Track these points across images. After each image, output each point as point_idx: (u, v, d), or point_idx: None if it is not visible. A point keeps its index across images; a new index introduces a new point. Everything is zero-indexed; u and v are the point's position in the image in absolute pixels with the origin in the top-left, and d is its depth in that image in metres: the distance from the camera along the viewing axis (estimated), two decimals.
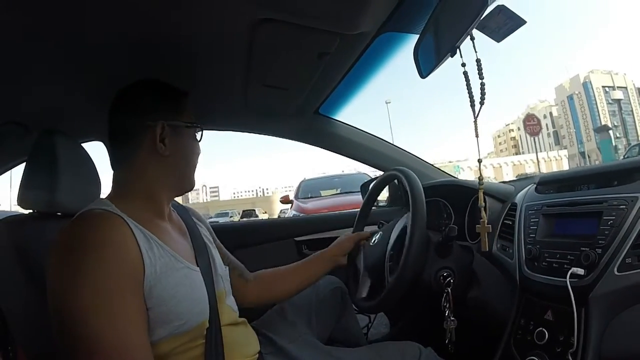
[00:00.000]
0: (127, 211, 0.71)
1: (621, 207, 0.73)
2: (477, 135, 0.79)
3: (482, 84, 0.78)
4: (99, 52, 0.91)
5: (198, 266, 0.80)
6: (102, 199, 0.77)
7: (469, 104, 0.79)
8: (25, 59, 0.90)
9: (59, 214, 0.90)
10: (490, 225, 0.89)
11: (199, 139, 0.88)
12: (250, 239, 1.60)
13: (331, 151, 1.65)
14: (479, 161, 0.84)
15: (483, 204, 0.85)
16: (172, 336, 0.69)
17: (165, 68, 0.98)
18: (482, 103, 0.78)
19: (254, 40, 0.92)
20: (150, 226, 0.73)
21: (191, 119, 0.85)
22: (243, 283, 1.04)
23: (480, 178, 0.86)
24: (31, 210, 0.92)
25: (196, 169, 0.88)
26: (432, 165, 1.69)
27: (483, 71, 0.80)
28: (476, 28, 0.79)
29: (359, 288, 1.15)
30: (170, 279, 0.69)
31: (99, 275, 0.61)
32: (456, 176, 1.75)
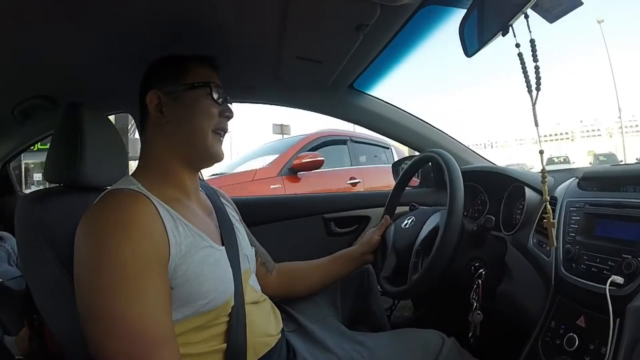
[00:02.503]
0: (153, 189, 0.71)
1: None
2: (536, 124, 0.72)
3: (537, 67, 0.71)
4: (125, 23, 0.90)
5: (223, 245, 0.79)
6: (128, 176, 0.78)
7: (526, 89, 0.72)
8: (50, 32, 0.90)
9: (84, 187, 0.90)
10: (554, 222, 0.83)
11: (215, 97, 0.80)
12: (277, 214, 1.59)
13: (364, 127, 1.61)
14: (541, 152, 0.77)
15: (548, 198, 0.79)
16: (197, 315, 0.70)
17: (193, 38, 0.96)
18: (538, 89, 0.71)
19: (288, 9, 0.87)
20: (176, 205, 0.73)
21: (199, 79, 0.79)
22: (263, 272, 1.03)
23: (544, 171, 0.79)
24: (57, 185, 0.92)
25: (217, 136, 0.81)
26: (469, 148, 1.61)
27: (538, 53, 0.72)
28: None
29: (385, 269, 1.13)
30: (195, 258, 0.69)
31: (125, 255, 0.61)
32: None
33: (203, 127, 0.78)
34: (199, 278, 0.69)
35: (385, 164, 4.68)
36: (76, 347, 0.69)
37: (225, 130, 0.82)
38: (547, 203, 0.78)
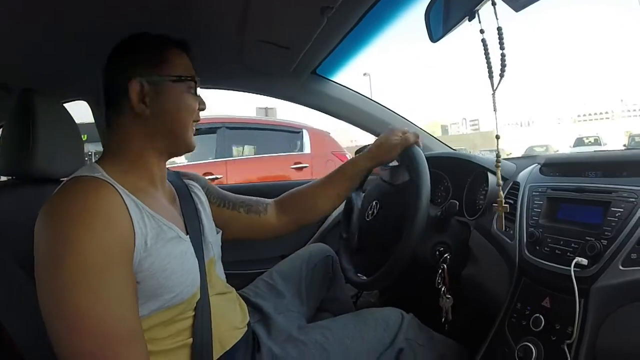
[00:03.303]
0: (117, 178, 0.67)
1: (630, 199, 0.71)
2: (495, 110, 0.73)
3: (503, 55, 0.71)
4: (81, 3, 0.82)
5: (187, 234, 0.76)
6: (93, 163, 0.72)
7: (487, 75, 0.73)
8: (2, 13, 0.81)
9: (39, 179, 0.84)
10: (507, 206, 0.85)
11: (194, 92, 0.79)
12: None
13: (327, 113, 1.58)
14: (497, 137, 0.79)
15: (501, 182, 0.81)
16: (163, 309, 0.67)
17: (154, 20, 0.89)
18: (502, 75, 0.72)
19: None
20: (141, 194, 0.69)
21: (182, 70, 0.77)
22: (256, 218, 1.01)
23: (498, 156, 0.81)
24: (9, 177, 0.87)
25: (193, 127, 0.80)
26: (431, 135, 1.63)
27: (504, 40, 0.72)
28: None
29: (351, 260, 1.13)
30: (161, 251, 0.66)
31: (88, 247, 0.57)
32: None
33: (186, 121, 0.78)
34: (165, 271, 0.66)
35: (290, 151, 4.45)
36: (37, 351, 0.65)
37: (199, 121, 0.82)
38: (500, 188, 0.81)
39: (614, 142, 18.66)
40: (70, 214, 0.59)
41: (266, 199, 1.06)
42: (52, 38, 0.96)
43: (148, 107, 0.73)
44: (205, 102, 0.82)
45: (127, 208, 0.63)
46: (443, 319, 0.98)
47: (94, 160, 0.75)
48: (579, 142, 17.47)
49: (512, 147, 20.10)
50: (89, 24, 0.92)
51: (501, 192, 0.81)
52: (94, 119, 1.42)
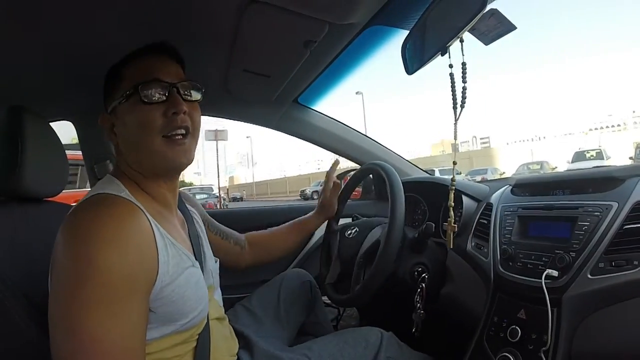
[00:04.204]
0: (140, 198, 0.67)
1: (595, 213, 0.77)
2: (455, 137, 0.80)
3: (464, 88, 0.79)
4: (72, 29, 0.85)
5: (197, 260, 0.76)
6: (112, 177, 0.71)
7: (452, 106, 0.80)
8: None
9: (24, 198, 0.83)
10: (456, 225, 0.91)
11: (150, 99, 0.68)
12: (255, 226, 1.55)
13: (307, 141, 1.63)
14: (454, 163, 0.86)
15: (452, 204, 0.87)
16: (175, 333, 0.67)
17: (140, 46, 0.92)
18: (462, 106, 0.79)
19: (240, 23, 0.88)
20: (161, 219, 0.69)
21: (138, 78, 0.69)
22: (239, 250, 1.12)
23: (453, 179, 0.88)
24: None
25: (164, 139, 0.69)
26: (408, 160, 1.70)
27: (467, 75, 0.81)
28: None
29: (330, 277, 1.16)
30: (180, 278, 0.66)
31: (117, 272, 0.56)
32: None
33: (144, 140, 0.68)
34: (183, 298, 0.66)
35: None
36: None
37: (179, 128, 0.70)
38: (451, 208, 0.87)
39: (621, 155, 16.53)
40: (102, 236, 0.56)
41: (241, 234, 1.18)
42: (39, 57, 0.97)
43: (117, 136, 0.73)
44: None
45: (155, 236, 0.63)
46: (414, 329, 1.02)
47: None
48: (579, 156, 15.65)
49: (514, 164, 18.87)
50: (75, 51, 0.93)
51: (452, 213, 0.87)
52: (79, 139, 1.42)
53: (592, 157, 15.06)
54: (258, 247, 1.18)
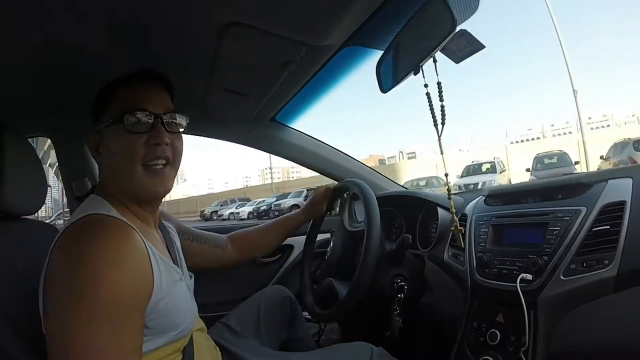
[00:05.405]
0: (129, 219, 0.68)
1: (565, 218, 0.82)
2: (441, 152, 0.85)
3: (442, 107, 0.84)
4: (54, 45, 0.85)
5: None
6: (97, 197, 0.71)
7: (433, 123, 0.85)
8: None
9: (2, 216, 0.81)
10: (462, 228, 0.95)
11: (133, 129, 0.70)
12: None
13: (285, 158, 1.66)
14: (446, 175, 0.90)
15: (454, 210, 0.91)
16: (168, 344, 0.69)
17: (123, 66, 0.92)
18: (443, 123, 0.84)
19: (220, 43, 0.90)
20: (148, 236, 0.70)
21: (125, 104, 0.71)
22: (221, 251, 1.14)
23: (449, 190, 0.92)
24: None
25: (145, 168, 0.71)
26: (383, 175, 1.74)
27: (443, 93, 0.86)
28: None
29: (311, 294, 1.17)
30: (173, 292, 0.69)
31: (119, 288, 0.57)
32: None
33: (125, 166, 0.70)
34: (175, 309, 0.69)
35: None
36: None
37: (160, 158, 0.72)
38: (454, 215, 0.91)
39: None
40: (104, 257, 0.57)
41: (222, 235, 1.20)
42: (17, 73, 0.96)
43: (102, 156, 0.74)
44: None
45: (149, 254, 0.65)
46: (388, 333, 1.04)
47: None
48: (473, 170, 15.14)
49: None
50: (55, 67, 0.93)
51: (455, 218, 0.91)
52: (57, 157, 1.40)
53: (488, 170, 14.89)
54: (241, 244, 1.21)
